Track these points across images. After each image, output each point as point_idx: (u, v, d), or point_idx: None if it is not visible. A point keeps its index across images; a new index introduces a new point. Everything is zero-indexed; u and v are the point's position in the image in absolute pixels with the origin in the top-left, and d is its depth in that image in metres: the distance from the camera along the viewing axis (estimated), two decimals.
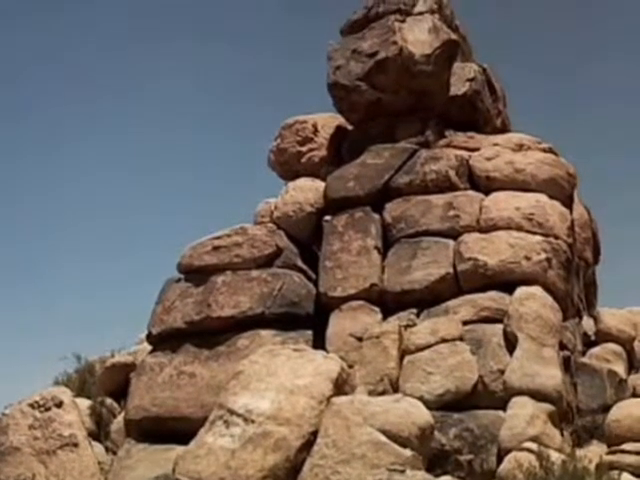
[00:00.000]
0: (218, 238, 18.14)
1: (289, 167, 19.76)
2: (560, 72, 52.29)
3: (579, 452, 13.11)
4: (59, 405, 14.75)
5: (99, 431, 17.60)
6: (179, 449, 14.35)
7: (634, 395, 16.53)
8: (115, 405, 18.33)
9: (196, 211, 50.48)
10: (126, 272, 51.35)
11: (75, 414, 14.85)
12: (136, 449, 15.97)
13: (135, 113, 55.63)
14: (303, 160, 19.58)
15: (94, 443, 15.97)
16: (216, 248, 17.97)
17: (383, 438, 12.82)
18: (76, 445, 14.42)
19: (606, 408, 15.85)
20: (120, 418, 17.46)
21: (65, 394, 15.15)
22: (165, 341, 17.46)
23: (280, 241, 18.10)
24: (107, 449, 16.98)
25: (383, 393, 14.66)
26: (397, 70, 18.61)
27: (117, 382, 18.59)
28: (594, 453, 13.95)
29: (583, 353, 17.66)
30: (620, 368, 17.35)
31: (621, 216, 43.65)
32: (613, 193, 45.36)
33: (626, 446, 14.14)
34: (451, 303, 16.19)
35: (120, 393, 18.18)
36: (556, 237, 16.67)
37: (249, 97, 55.32)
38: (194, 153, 55.01)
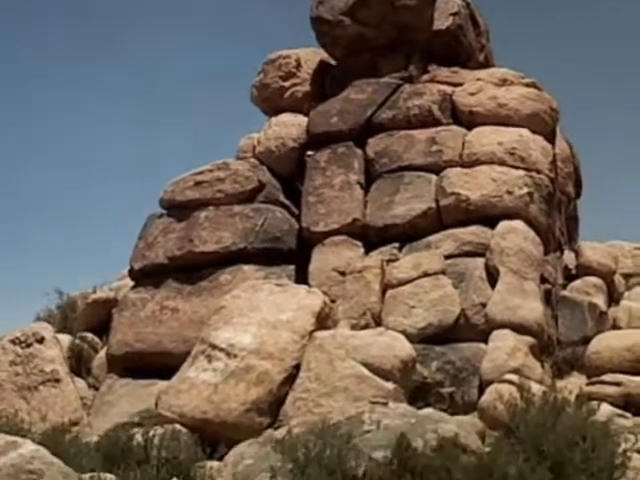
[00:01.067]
0: (200, 173, 18.09)
1: (272, 102, 19.53)
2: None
3: (559, 383, 13.23)
4: (40, 341, 14.69)
5: (81, 367, 17.63)
6: (161, 384, 14.42)
7: (614, 327, 16.67)
8: (97, 341, 18.35)
9: (179, 146, 50.05)
10: (108, 208, 51.07)
11: (57, 350, 14.79)
12: (118, 384, 16.03)
13: (121, 43, 54.81)
14: (286, 95, 19.37)
15: (76, 379, 15.96)
16: (198, 183, 17.93)
17: (365, 371, 12.91)
18: (58, 381, 14.39)
19: (586, 340, 16.01)
20: (102, 354, 17.50)
21: (47, 330, 15.07)
22: (147, 277, 17.46)
23: (262, 176, 18.04)
24: (89, 385, 17.02)
25: (365, 327, 14.71)
26: (380, 4, 18.38)
27: (99, 318, 18.59)
28: (574, 384, 14.11)
29: (564, 286, 17.78)
30: (600, 301, 17.46)
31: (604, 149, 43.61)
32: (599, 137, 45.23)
33: (606, 377, 14.30)
34: (433, 238, 16.22)
35: (102, 329, 18.21)
36: (538, 171, 16.68)
37: (232, 32, 54.66)
38: (176, 88, 54.41)
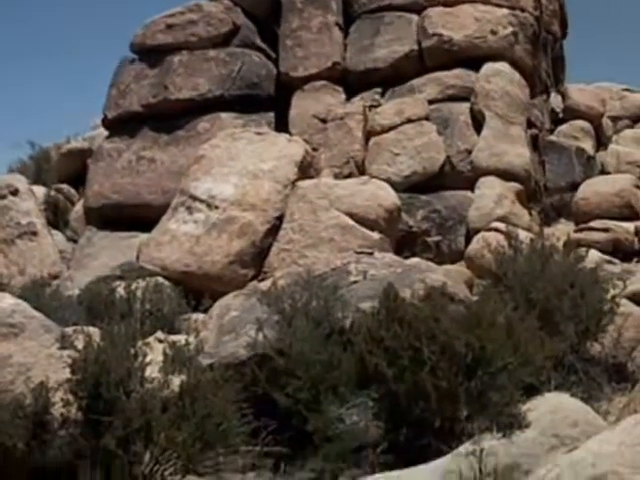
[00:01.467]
0: (172, 16, 17.44)
1: None
2: None
3: (547, 230, 13.22)
4: (15, 193, 14.44)
5: (58, 219, 17.38)
6: (142, 236, 14.25)
7: (602, 172, 16.58)
8: (73, 192, 18.06)
9: None
10: (78, 53, 49.77)
11: (32, 202, 14.57)
12: (97, 237, 15.82)
13: None
14: None
15: (53, 231, 15.79)
16: (170, 26, 17.32)
17: (350, 221, 12.76)
18: (35, 233, 14.22)
19: (574, 186, 15.93)
20: (79, 206, 17.24)
21: (20, 182, 14.81)
22: (122, 126, 17.02)
23: (237, 18, 17.41)
24: (67, 237, 16.81)
25: (349, 176, 14.54)
26: None
27: (74, 169, 18.25)
28: (562, 231, 14.08)
29: (551, 131, 17.60)
30: (588, 145, 17.32)
31: None
32: None
33: (594, 223, 14.25)
34: (416, 82, 15.91)
35: (78, 180, 17.87)
36: (523, 10, 16.31)
37: None
38: None
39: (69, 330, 9.98)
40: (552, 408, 8.74)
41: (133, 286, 11.81)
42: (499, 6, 16.13)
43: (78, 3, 51.42)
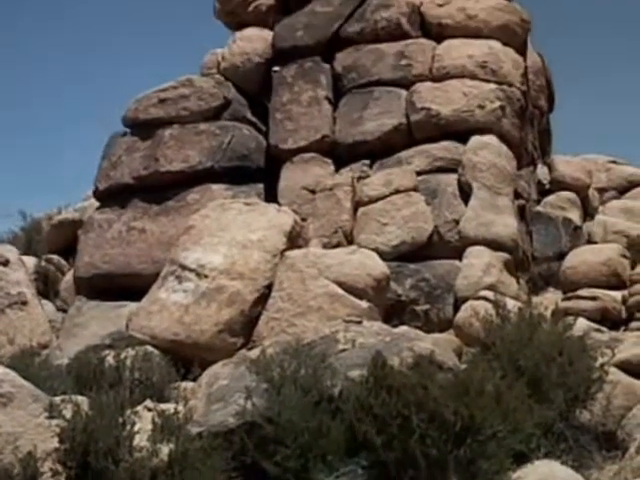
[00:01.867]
0: (164, 90, 17.67)
1: (235, 16, 19.03)
2: None
3: (535, 299, 13.28)
4: (5, 263, 14.51)
5: (48, 289, 17.47)
6: (132, 306, 14.33)
7: (589, 242, 16.71)
8: (63, 263, 18.16)
9: (142, 63, 49.28)
10: (72, 126, 50.34)
11: (22, 272, 14.63)
12: (87, 307, 15.84)
13: None
14: (250, 9, 18.86)
15: (44, 301, 15.86)
16: (162, 100, 17.54)
17: (339, 290, 12.87)
18: (25, 303, 14.26)
19: (561, 255, 16.07)
20: (69, 276, 17.32)
21: (11, 252, 14.89)
22: (113, 197, 17.16)
23: (228, 93, 17.69)
24: (57, 307, 16.89)
25: (337, 246, 14.64)
26: None
27: (65, 239, 18.36)
28: (550, 300, 14.14)
29: (538, 201, 17.76)
30: (575, 215, 17.48)
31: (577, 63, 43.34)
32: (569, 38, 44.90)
33: (581, 292, 14.35)
34: (404, 154, 16.06)
35: (68, 251, 17.99)
36: (510, 85, 16.53)
37: None
38: (139, 3, 53.46)
39: (58, 399, 9.99)
40: (542, 476, 8.77)
41: (122, 355, 11.83)
42: (487, 81, 16.36)
43: (69, 78, 51.90)
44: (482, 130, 15.85)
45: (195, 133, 17.12)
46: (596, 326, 12.86)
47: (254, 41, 18.18)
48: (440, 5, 17.49)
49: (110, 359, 11.79)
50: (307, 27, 17.77)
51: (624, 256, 15.27)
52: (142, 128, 17.47)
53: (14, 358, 11.95)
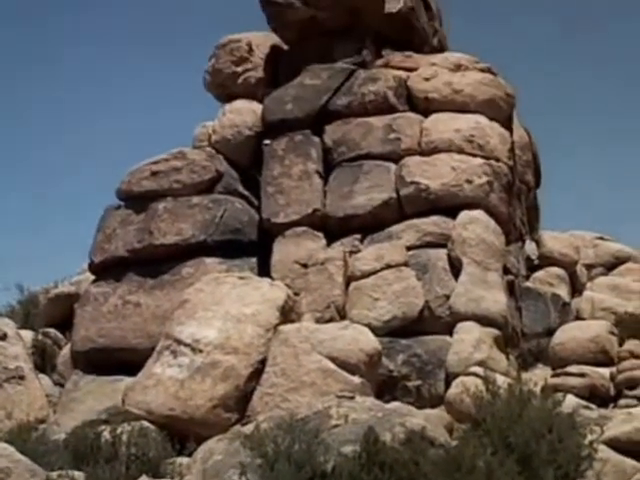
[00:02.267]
0: (156, 163, 17.88)
1: (225, 88, 19.28)
2: None
3: (525, 375, 13.37)
4: (3, 337, 14.61)
5: (45, 363, 17.51)
6: (127, 380, 14.43)
7: (577, 318, 16.91)
8: (60, 336, 18.21)
9: (134, 136, 49.64)
10: (66, 200, 50.56)
11: (20, 346, 14.73)
12: (84, 381, 15.91)
13: (69, 33, 54.20)
14: (239, 81, 19.15)
15: (41, 375, 15.93)
16: (155, 173, 17.74)
17: (331, 365, 13.02)
18: (22, 378, 14.32)
19: (550, 331, 16.24)
20: (66, 350, 17.38)
21: (9, 326, 14.99)
22: (108, 270, 17.30)
23: (220, 166, 17.91)
24: (54, 382, 16.92)
25: (330, 320, 14.75)
26: None
27: (61, 313, 18.43)
28: (539, 376, 14.28)
29: (527, 277, 17.93)
30: (563, 291, 17.65)
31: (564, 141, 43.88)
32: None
33: (570, 368, 14.54)
34: (395, 228, 16.25)
35: (65, 324, 18.05)
36: (497, 159, 16.75)
37: (182, 16, 54.21)
38: (130, 76, 53.93)
39: (55, 474, 10.15)
40: None
41: (119, 430, 11.97)
42: (474, 156, 16.59)
43: (67, 153, 52.28)
44: (471, 205, 16.04)
45: (188, 206, 17.31)
46: (585, 403, 13.03)
47: (244, 114, 18.43)
48: (426, 79, 17.80)
49: (106, 434, 11.92)
50: (296, 100, 18.01)
51: (612, 333, 15.53)
52: (136, 201, 17.68)
53: (11, 433, 12.06)
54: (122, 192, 17.95)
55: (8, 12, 50.41)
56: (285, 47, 19.47)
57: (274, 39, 19.50)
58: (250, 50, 19.33)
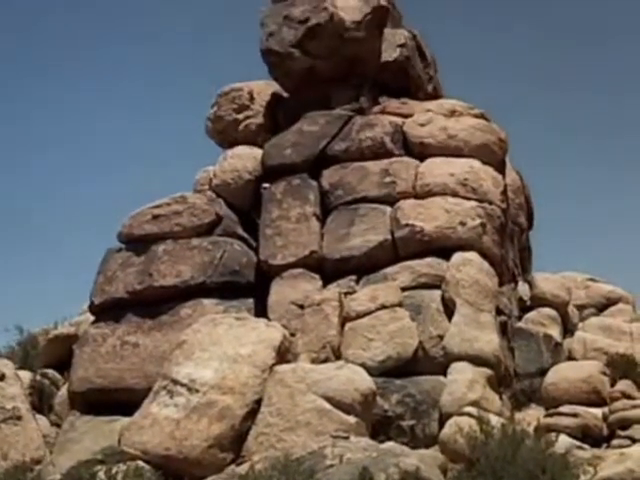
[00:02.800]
0: (158, 207, 18.13)
1: (226, 135, 19.68)
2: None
3: (518, 415, 13.47)
4: (1, 378, 14.68)
5: (42, 404, 17.50)
6: (124, 420, 14.47)
7: (569, 358, 16.98)
8: (58, 377, 18.20)
9: (135, 180, 50.01)
10: (67, 243, 50.81)
11: (18, 387, 14.79)
12: (81, 421, 15.94)
13: (74, 79, 54.80)
14: (240, 128, 19.53)
15: (38, 416, 15.94)
16: (156, 217, 17.97)
17: (327, 405, 13.08)
18: (19, 418, 14.38)
19: (543, 372, 16.30)
20: (64, 390, 17.37)
21: (7, 367, 15.06)
22: (107, 311, 17.42)
23: (220, 209, 18.16)
24: (51, 422, 16.90)
25: (325, 360, 14.81)
26: (329, 36, 18.66)
27: (60, 354, 18.43)
28: (532, 416, 14.36)
29: (519, 318, 18.00)
30: (555, 332, 17.71)
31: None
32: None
33: (563, 409, 14.60)
34: (389, 270, 16.40)
35: (64, 365, 18.04)
36: (490, 202, 16.97)
37: (185, 64, 54.79)
38: (131, 122, 54.42)
39: None
40: None
41: (114, 470, 12.01)
42: (467, 199, 16.80)
43: (66, 196, 52.65)
44: (464, 247, 16.20)
45: (188, 248, 17.51)
46: (578, 443, 13.12)
47: (244, 159, 18.75)
48: (422, 125, 18.09)
49: (102, 475, 11.97)
50: (295, 145, 18.33)
51: (604, 373, 15.61)
52: (136, 244, 17.87)
53: (7, 474, 12.11)
54: (123, 235, 18.16)
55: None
56: (285, 95, 19.87)
57: (274, 87, 19.92)
58: (251, 98, 19.73)
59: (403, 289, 15.92)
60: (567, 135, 50.51)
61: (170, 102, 54.35)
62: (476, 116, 18.32)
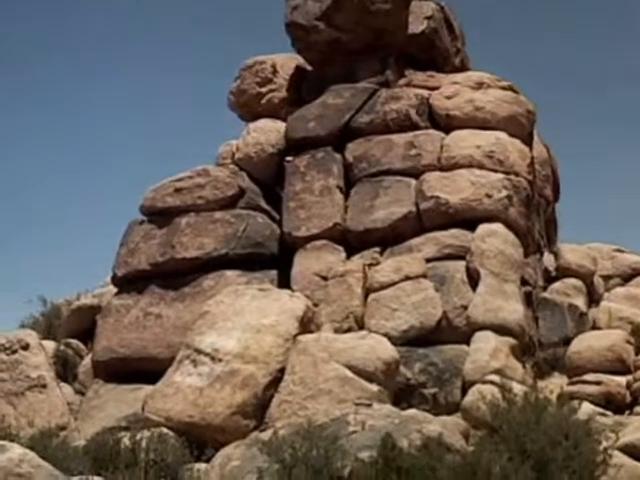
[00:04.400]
0: (180, 180, 18.14)
1: (250, 108, 19.65)
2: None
3: (541, 384, 13.39)
4: (25, 347, 14.78)
5: (67, 373, 17.64)
6: (148, 388, 14.55)
7: (594, 328, 16.94)
8: (82, 347, 18.34)
9: (158, 153, 50.07)
10: (90, 215, 51.06)
11: (42, 356, 14.88)
12: (104, 389, 16.09)
13: (96, 53, 54.85)
14: (263, 101, 19.51)
15: (62, 384, 16.06)
16: (178, 190, 17.99)
17: (349, 374, 13.10)
18: (44, 386, 14.48)
19: (567, 341, 16.27)
20: (87, 360, 17.52)
21: (31, 336, 15.16)
22: (130, 283, 17.53)
23: (242, 182, 18.14)
24: (75, 390, 17.03)
25: (348, 330, 14.85)
26: (355, 9, 18.50)
27: (83, 324, 18.58)
28: (555, 384, 14.31)
29: (544, 288, 17.95)
30: (580, 302, 17.66)
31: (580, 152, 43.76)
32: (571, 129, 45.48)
33: (587, 377, 14.57)
34: (414, 241, 16.35)
35: (86, 335, 18.20)
36: (516, 174, 16.87)
37: (209, 37, 54.70)
38: (156, 95, 54.42)
39: (74, 479, 10.22)
40: None
41: (138, 436, 12.05)
42: (494, 171, 16.72)
43: (91, 165, 52.79)
44: (490, 218, 16.16)
45: (211, 221, 17.53)
46: (601, 410, 13.06)
47: (267, 132, 18.71)
48: (448, 97, 17.99)
49: (126, 440, 12.00)
50: (319, 118, 18.28)
51: (628, 342, 15.55)
52: (159, 216, 17.94)
53: (33, 439, 12.15)
54: (145, 208, 18.22)
55: None
56: (309, 68, 19.76)
57: (298, 60, 19.82)
58: (274, 71, 19.67)
59: (427, 260, 15.91)
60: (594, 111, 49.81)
61: (193, 75, 54.20)
62: (504, 88, 18.17)
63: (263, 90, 19.58)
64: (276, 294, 14.97)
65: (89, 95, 54.59)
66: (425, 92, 18.25)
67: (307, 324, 14.38)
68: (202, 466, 12.03)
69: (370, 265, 16.03)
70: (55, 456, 11.23)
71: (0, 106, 50.94)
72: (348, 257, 16.59)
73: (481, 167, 16.83)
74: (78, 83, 53.51)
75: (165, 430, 12.75)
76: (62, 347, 18.16)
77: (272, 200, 18.09)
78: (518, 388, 12.08)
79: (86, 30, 53.95)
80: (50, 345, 17.62)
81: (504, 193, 16.38)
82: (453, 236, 16.15)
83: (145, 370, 15.67)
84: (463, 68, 20.29)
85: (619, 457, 10.85)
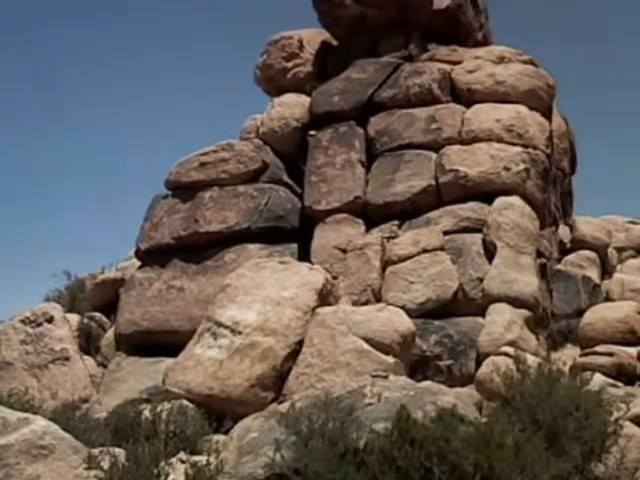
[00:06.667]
0: (205, 154, 18.29)
1: (275, 83, 19.80)
2: None
3: (554, 355, 13.49)
4: (50, 320, 14.89)
5: (90, 345, 17.87)
6: (168, 361, 14.70)
7: (607, 299, 16.97)
8: (105, 320, 18.55)
9: (183, 128, 50.31)
10: (115, 189, 51.40)
11: (66, 329, 14.99)
12: (127, 362, 16.33)
13: (121, 29, 55.04)
14: (289, 76, 19.65)
15: (85, 357, 16.22)
16: (203, 164, 18.15)
17: (366, 346, 13.18)
18: (67, 359, 14.60)
19: (580, 312, 16.32)
20: (110, 333, 17.74)
21: (56, 309, 15.27)
22: (153, 257, 17.73)
23: (266, 156, 18.28)
24: (98, 363, 17.25)
25: (366, 303, 15.00)
26: None
27: (107, 297, 18.81)
28: (568, 356, 14.39)
29: (559, 260, 18.03)
30: (594, 274, 17.73)
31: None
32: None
33: (599, 348, 14.58)
34: (432, 214, 16.49)
35: (110, 308, 18.43)
36: (535, 148, 16.93)
37: (235, 12, 54.75)
38: (180, 70, 54.60)
39: (96, 451, 10.37)
40: None
41: (158, 408, 12.14)
42: (513, 144, 16.80)
43: (115, 144, 53.04)
44: (507, 191, 16.25)
45: (234, 195, 17.70)
46: (612, 381, 13.11)
47: (292, 106, 18.85)
48: (470, 71, 18.09)
49: (147, 412, 12.11)
50: (343, 93, 18.42)
51: None
52: (183, 190, 18.11)
53: (56, 411, 12.34)
54: (170, 182, 18.39)
55: None
56: (334, 43, 19.86)
57: (324, 35, 19.95)
58: (301, 46, 19.76)
59: (445, 233, 16.02)
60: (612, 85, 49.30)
61: (219, 50, 54.29)
62: (525, 62, 18.24)
63: (289, 65, 19.73)
64: (296, 267, 15.07)
65: (127, 67, 54.80)
66: (447, 66, 18.38)
67: (326, 297, 14.49)
68: (221, 437, 12.13)
69: (389, 238, 16.15)
70: (77, 428, 11.37)
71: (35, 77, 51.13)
72: (367, 230, 16.75)
73: (500, 140, 16.91)
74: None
75: (185, 402, 12.85)
76: (86, 320, 18.39)
77: (295, 174, 18.24)
78: (531, 360, 12.16)
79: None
80: (74, 318, 17.83)
81: (522, 166, 16.45)
82: (471, 209, 16.26)
83: (167, 343, 15.86)
84: (486, 43, 20.33)
85: (630, 427, 10.87)
